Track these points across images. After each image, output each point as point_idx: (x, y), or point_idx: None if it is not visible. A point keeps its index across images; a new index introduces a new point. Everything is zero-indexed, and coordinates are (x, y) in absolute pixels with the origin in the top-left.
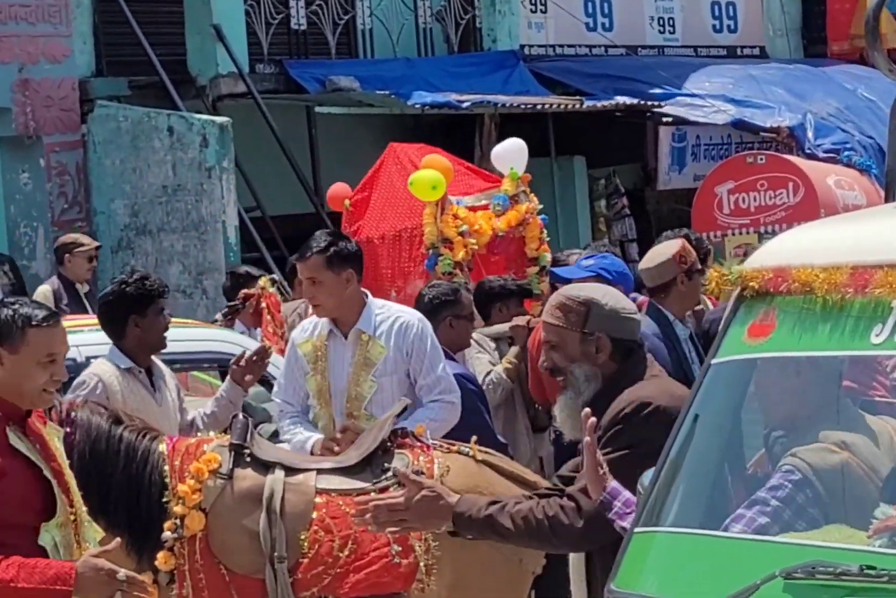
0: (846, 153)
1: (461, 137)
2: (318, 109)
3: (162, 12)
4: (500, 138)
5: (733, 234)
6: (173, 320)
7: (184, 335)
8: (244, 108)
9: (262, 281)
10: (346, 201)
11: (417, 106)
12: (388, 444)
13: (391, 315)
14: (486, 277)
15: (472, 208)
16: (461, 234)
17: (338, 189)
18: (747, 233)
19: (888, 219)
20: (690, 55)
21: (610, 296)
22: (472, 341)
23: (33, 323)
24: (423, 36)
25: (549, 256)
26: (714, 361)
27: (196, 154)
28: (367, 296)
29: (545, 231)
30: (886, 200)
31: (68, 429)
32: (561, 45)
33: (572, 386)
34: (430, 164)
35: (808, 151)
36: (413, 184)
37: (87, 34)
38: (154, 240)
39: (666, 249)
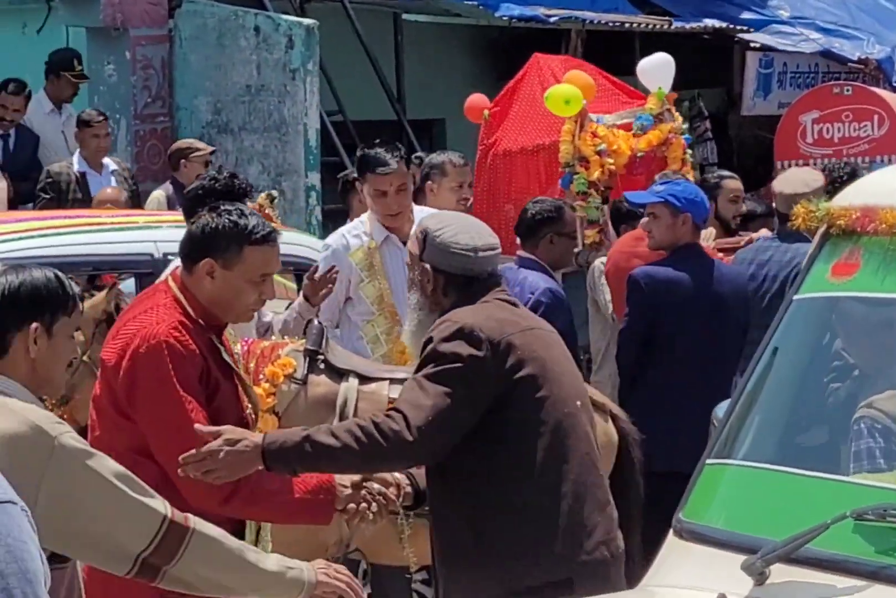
0: None
1: (547, 51)
2: (405, 15)
3: None
4: (586, 54)
5: (815, 163)
6: None
7: None
8: (332, 11)
9: (261, 199)
10: (486, 112)
11: (505, 18)
12: None
13: (421, 214)
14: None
15: (614, 127)
16: (598, 153)
17: (476, 100)
18: (829, 162)
19: None
20: None
21: (450, 227)
22: None
23: (253, 239)
24: None
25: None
26: (796, 296)
27: (281, 55)
28: None
29: (689, 152)
30: None
31: None
32: None
33: (409, 314)
34: (571, 79)
35: (895, 84)
36: (548, 98)
37: None
38: (235, 139)
39: (816, 176)
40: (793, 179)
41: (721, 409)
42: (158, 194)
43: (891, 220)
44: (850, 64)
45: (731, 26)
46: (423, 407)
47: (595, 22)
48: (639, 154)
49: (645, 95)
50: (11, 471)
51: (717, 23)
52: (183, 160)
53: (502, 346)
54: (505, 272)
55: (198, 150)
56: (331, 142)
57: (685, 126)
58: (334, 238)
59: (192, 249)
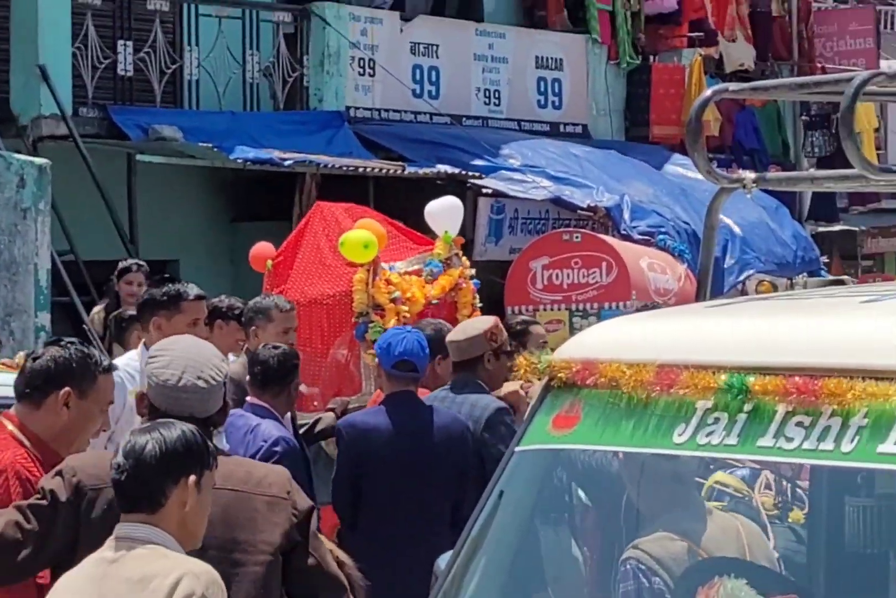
0: (661, 236)
1: (282, 194)
2: (139, 156)
3: None
4: (320, 198)
5: (545, 309)
6: None
7: None
8: (65, 150)
9: None
10: (269, 262)
11: (239, 161)
12: None
13: None
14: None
15: (406, 274)
16: (393, 300)
17: (261, 249)
18: (559, 309)
19: (697, 319)
20: (514, 128)
21: (167, 354)
22: None
23: (104, 368)
24: (250, 91)
25: None
26: (518, 448)
27: (12, 194)
28: None
29: (477, 297)
30: (697, 299)
31: None
32: (387, 110)
33: None
34: (364, 226)
35: (623, 232)
36: (344, 244)
37: None
38: None
39: (479, 323)
40: (457, 327)
41: (443, 559)
42: None
43: (610, 373)
44: (579, 211)
45: (464, 172)
46: None
47: (329, 166)
48: (433, 301)
49: (431, 240)
50: None
51: (449, 168)
52: None
53: (90, 494)
54: (234, 419)
55: None
56: (62, 281)
57: None
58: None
59: (45, 382)
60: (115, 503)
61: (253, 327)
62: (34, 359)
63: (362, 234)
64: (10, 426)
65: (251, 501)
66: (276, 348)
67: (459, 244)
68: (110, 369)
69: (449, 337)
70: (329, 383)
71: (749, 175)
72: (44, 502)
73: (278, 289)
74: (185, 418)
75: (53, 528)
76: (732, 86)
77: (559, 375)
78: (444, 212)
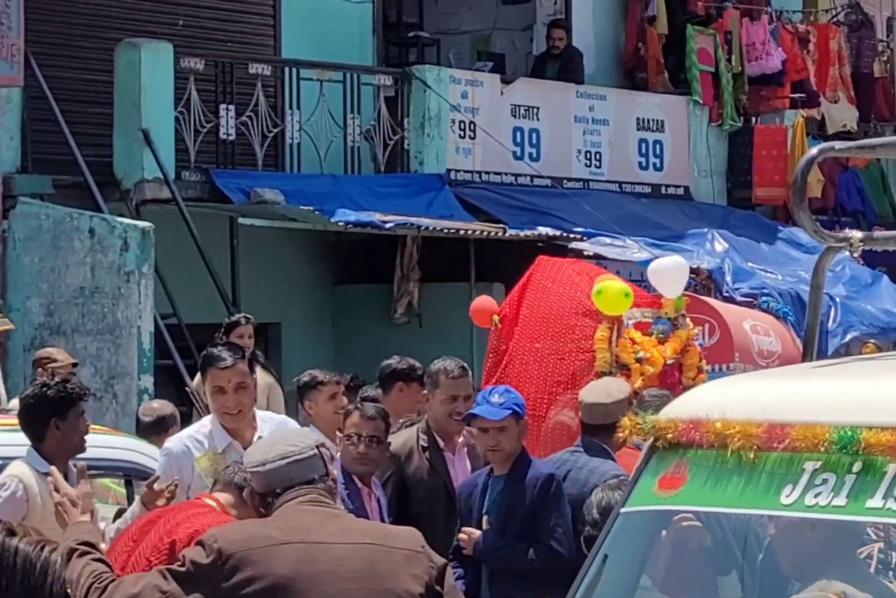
0: (763, 298)
1: (382, 256)
2: (241, 220)
3: (91, 113)
4: (421, 261)
5: None
6: None
7: (91, 441)
8: (167, 213)
9: None
10: (496, 317)
11: (341, 223)
12: None
13: (269, 423)
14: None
15: (637, 324)
16: (638, 360)
17: (483, 303)
18: None
19: (805, 378)
20: (616, 190)
21: (254, 450)
22: None
23: None
24: (351, 154)
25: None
26: (623, 510)
27: (116, 257)
28: None
29: (704, 360)
30: (804, 359)
31: None
32: (487, 172)
33: None
34: (607, 280)
35: (725, 294)
36: (602, 293)
37: (15, 130)
38: (67, 341)
39: (621, 386)
40: (597, 388)
41: None
42: None
43: (717, 433)
44: None
45: (564, 234)
46: (127, 592)
47: (430, 228)
48: (668, 361)
49: (651, 296)
50: None
51: (550, 231)
52: (40, 369)
53: (232, 560)
54: None
55: (55, 361)
56: (165, 345)
57: None
58: (174, 442)
59: None
60: (257, 567)
61: (424, 391)
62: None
63: (620, 284)
64: None
65: (392, 554)
66: None
67: (686, 306)
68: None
69: (587, 399)
70: (551, 446)
71: (856, 234)
72: (182, 568)
73: (507, 344)
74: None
75: (192, 591)
76: (838, 144)
77: (665, 435)
78: (669, 271)
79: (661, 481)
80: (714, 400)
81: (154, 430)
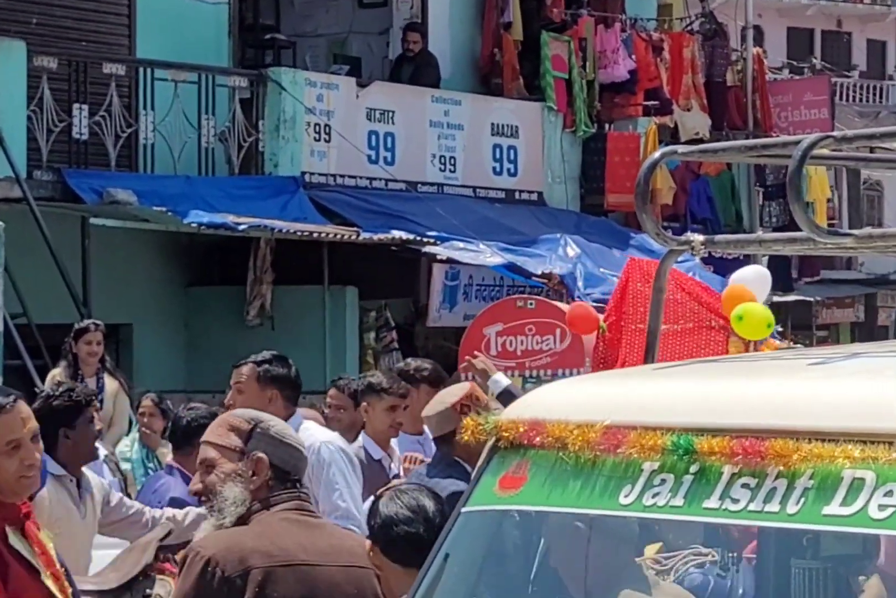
0: None
1: (236, 259)
2: (93, 220)
3: None
4: (275, 263)
5: None
6: None
7: None
8: (19, 213)
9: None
10: (603, 325)
11: (194, 225)
12: (150, 569)
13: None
14: None
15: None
16: None
17: (582, 310)
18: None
19: (645, 380)
20: (470, 195)
21: (278, 421)
22: None
23: None
24: (205, 155)
25: None
26: (464, 509)
27: None
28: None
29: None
30: (645, 361)
31: None
32: (342, 175)
33: (218, 509)
34: (734, 293)
35: (577, 299)
36: (743, 319)
37: None
38: None
39: (448, 395)
40: (433, 400)
41: None
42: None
43: (557, 433)
44: (533, 278)
45: (419, 238)
46: None
47: (284, 231)
48: None
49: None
50: None
51: (404, 234)
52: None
53: (238, 581)
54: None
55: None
56: (14, 345)
57: (372, 335)
58: None
59: None
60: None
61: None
62: None
63: (762, 311)
64: None
65: (370, 576)
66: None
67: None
68: (3, 409)
69: (426, 413)
70: None
71: (698, 238)
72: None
73: (614, 355)
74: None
75: None
76: (681, 148)
77: (506, 435)
78: (753, 281)
79: (501, 480)
80: (554, 401)
81: None
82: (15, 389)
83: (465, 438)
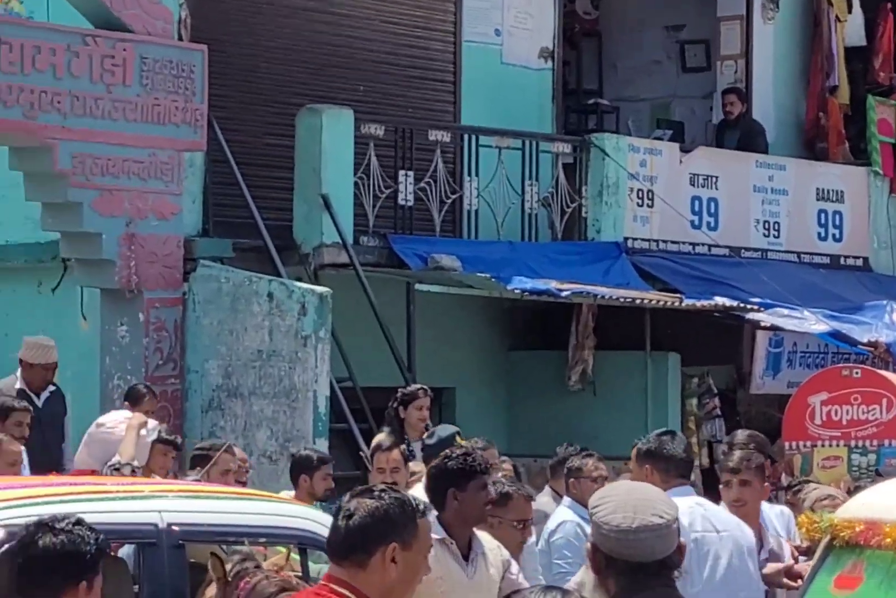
0: None
1: (557, 323)
2: (417, 286)
3: (272, 177)
4: (596, 328)
5: (823, 445)
6: (252, 492)
7: (266, 510)
8: (345, 278)
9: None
10: None
11: (517, 291)
12: None
13: None
14: None
15: None
16: None
17: None
18: (837, 446)
19: None
20: (794, 261)
21: (610, 503)
22: None
23: (420, 513)
24: (528, 221)
25: None
26: None
27: (294, 321)
28: None
29: None
30: None
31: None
32: (665, 241)
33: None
34: None
35: None
36: None
37: (197, 193)
38: (245, 403)
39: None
40: None
41: None
42: None
43: (895, 534)
44: (859, 345)
45: (741, 305)
46: None
47: (607, 297)
48: None
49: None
50: None
51: (727, 301)
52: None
53: None
54: None
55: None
56: (340, 408)
57: (693, 401)
58: None
59: (367, 541)
60: None
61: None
62: (348, 516)
63: None
64: (340, 589)
65: None
66: None
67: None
68: (426, 511)
69: None
70: None
71: None
72: None
73: None
74: (646, 562)
75: None
76: None
77: (841, 534)
78: None
79: (837, 579)
80: (890, 502)
81: None
82: (339, 452)
83: (801, 535)
